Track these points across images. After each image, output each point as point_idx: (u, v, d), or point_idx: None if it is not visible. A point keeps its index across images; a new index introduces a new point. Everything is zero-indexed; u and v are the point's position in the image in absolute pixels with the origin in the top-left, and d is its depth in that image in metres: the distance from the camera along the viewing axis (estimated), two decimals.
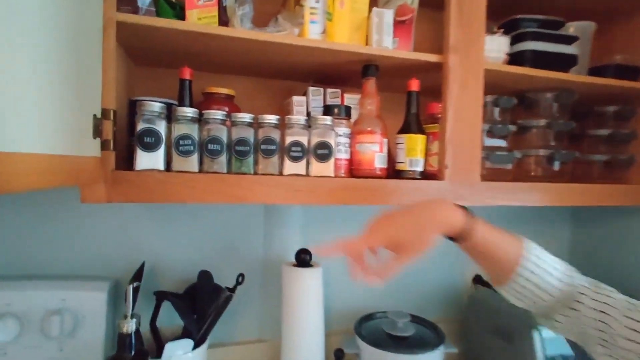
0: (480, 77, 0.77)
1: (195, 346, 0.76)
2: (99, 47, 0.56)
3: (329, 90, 0.85)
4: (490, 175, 0.89)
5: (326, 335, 0.92)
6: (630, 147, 1.02)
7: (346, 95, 0.85)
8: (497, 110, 0.93)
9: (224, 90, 0.81)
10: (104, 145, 0.57)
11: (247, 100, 0.89)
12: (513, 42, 0.88)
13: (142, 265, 0.83)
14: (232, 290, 0.82)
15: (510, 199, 0.82)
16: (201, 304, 0.81)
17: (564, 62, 0.90)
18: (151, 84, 0.85)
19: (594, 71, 0.97)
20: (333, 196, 0.69)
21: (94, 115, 0.54)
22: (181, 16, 0.69)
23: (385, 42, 0.74)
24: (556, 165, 0.96)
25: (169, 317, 0.85)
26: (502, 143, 0.93)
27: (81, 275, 0.85)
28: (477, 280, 1.15)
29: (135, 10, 0.67)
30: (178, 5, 0.71)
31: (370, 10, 0.75)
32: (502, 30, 0.88)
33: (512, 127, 0.91)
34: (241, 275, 0.84)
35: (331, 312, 1.02)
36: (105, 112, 0.57)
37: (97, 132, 0.54)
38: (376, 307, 1.01)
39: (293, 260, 0.92)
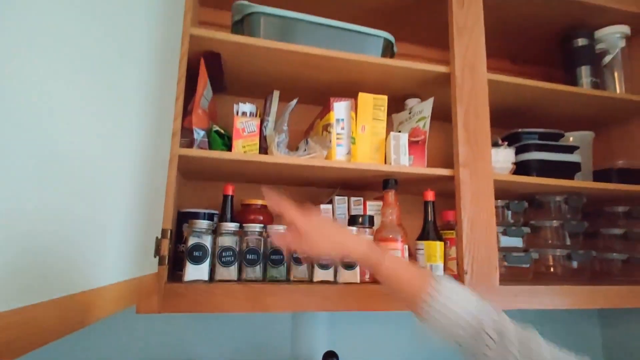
0: (489, 187, 0.85)
1: None
2: (164, 177, 0.68)
3: (353, 198, 0.95)
4: (510, 275, 0.93)
5: None
6: None
7: (368, 202, 0.94)
8: (509, 213, 0.99)
9: (260, 202, 0.92)
10: (160, 261, 0.65)
11: None
12: (517, 152, 0.98)
13: None
14: None
15: (531, 302, 0.84)
16: None
17: (569, 169, 0.98)
18: (196, 194, 0.96)
19: (598, 175, 1.05)
20: (360, 303, 0.74)
21: (157, 237, 0.63)
22: (229, 145, 0.82)
23: (402, 160, 0.84)
24: (575, 264, 0.99)
25: None
26: (518, 242, 0.98)
27: None
28: None
29: (192, 141, 0.80)
30: (226, 136, 0.85)
31: (387, 134, 0.87)
32: (506, 142, 0.98)
33: (526, 229, 0.97)
34: None
35: None
36: (164, 232, 0.66)
37: (157, 250, 0.64)
38: None
39: None
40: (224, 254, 0.73)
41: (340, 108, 0.86)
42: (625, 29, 1.06)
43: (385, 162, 0.86)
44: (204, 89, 0.83)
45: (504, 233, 0.96)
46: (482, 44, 0.90)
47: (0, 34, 0.24)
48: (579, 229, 1.00)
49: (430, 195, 0.86)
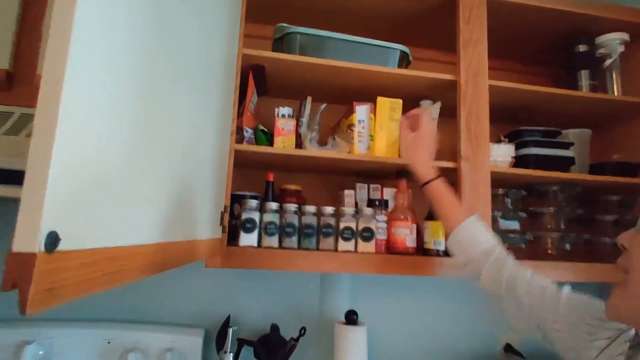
0: (487, 178, 1.01)
1: None
2: (225, 166, 0.89)
3: (372, 185, 1.14)
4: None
5: None
6: None
7: (385, 189, 1.12)
8: (509, 200, 1.15)
9: (294, 187, 1.12)
10: (223, 230, 0.87)
11: (310, 191, 1.19)
12: (518, 148, 1.13)
13: (228, 318, 1.09)
14: (296, 340, 1.05)
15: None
16: (272, 350, 1.05)
17: (563, 163, 1.12)
18: (243, 180, 1.17)
19: (594, 168, 1.18)
20: (375, 267, 0.94)
21: (221, 211, 0.85)
22: (271, 141, 1.02)
23: None
24: (567, 246, 1.13)
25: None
26: (515, 225, 1.14)
27: (182, 323, 1.13)
28: (508, 348, 1.28)
29: (242, 138, 1.01)
30: (269, 133, 1.05)
31: None
32: (507, 139, 1.13)
33: (522, 214, 1.12)
34: (303, 328, 1.07)
35: None
36: (225, 208, 0.88)
37: (221, 221, 0.85)
38: None
39: (343, 319, 1.13)
40: (268, 226, 0.94)
41: (361, 111, 1.04)
42: (624, 35, 1.17)
43: (399, 156, 1.04)
44: (252, 94, 1.04)
45: (503, 217, 1.11)
46: (484, 55, 1.05)
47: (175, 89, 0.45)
48: (573, 215, 1.14)
49: None
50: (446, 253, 1.00)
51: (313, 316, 1.20)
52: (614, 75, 1.19)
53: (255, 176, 1.14)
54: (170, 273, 1.15)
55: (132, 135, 0.37)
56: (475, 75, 1.04)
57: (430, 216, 1.02)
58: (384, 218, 1.01)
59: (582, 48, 1.20)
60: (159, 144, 0.44)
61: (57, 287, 0.25)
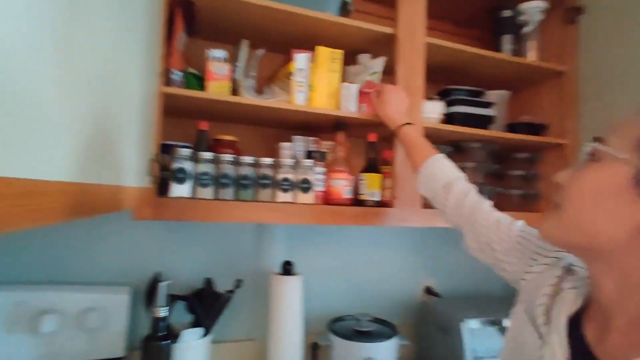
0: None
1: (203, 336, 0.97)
2: (153, 110, 0.81)
3: (310, 138, 1.12)
4: (429, 204, 1.17)
5: (304, 333, 1.13)
6: (539, 185, 1.33)
7: (323, 142, 1.12)
8: None
9: (229, 137, 1.06)
10: (153, 180, 0.80)
11: (245, 143, 1.14)
12: (448, 106, 1.19)
13: (157, 273, 1.04)
14: (232, 292, 1.04)
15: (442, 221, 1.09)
16: (207, 303, 1.03)
17: (485, 121, 1.21)
18: (171, 130, 1.08)
19: (509, 127, 1.29)
20: (314, 218, 0.95)
21: (150, 159, 0.78)
22: (203, 86, 0.95)
23: (351, 107, 1.02)
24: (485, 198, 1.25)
25: (176, 316, 1.05)
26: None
27: (107, 282, 1.05)
28: (427, 290, 1.41)
29: (170, 81, 0.92)
30: (201, 78, 0.97)
31: (340, 84, 1.03)
32: (439, 97, 1.18)
33: None
34: (239, 280, 1.06)
35: (309, 315, 1.24)
36: (155, 156, 0.80)
37: (151, 170, 0.78)
38: (345, 311, 1.25)
39: (278, 270, 1.15)
40: (202, 177, 0.89)
41: (301, 59, 1.00)
42: (544, 4, 1.25)
43: (338, 108, 1.03)
44: (180, 33, 0.94)
45: None
46: (423, 12, 1.06)
47: None
48: (489, 170, 1.26)
49: (373, 137, 1.06)
50: (381, 204, 1.05)
51: (248, 268, 1.20)
52: (532, 42, 1.28)
53: (184, 126, 1.06)
54: (91, 228, 1.05)
55: (45, 41, 0.30)
56: (413, 31, 1.05)
57: (368, 168, 1.05)
58: (322, 170, 1.01)
59: (506, 13, 1.27)
60: (76, 60, 0.37)
61: None
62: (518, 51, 1.27)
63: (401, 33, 1.03)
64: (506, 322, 1.13)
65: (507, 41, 1.27)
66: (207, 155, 0.91)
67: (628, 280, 0.43)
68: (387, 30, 1.04)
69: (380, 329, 1.15)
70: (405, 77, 1.03)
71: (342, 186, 1.00)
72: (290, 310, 1.10)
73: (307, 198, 0.96)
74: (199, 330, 0.94)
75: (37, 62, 0.29)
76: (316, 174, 0.99)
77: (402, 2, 1.04)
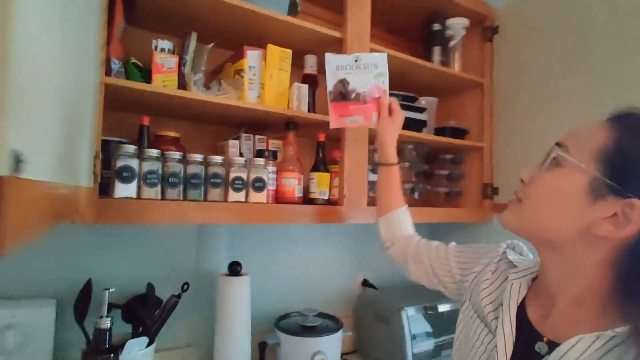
0: (365, 135, 1.11)
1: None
2: (89, 104, 0.73)
3: (257, 136, 1.11)
4: (371, 201, 1.24)
5: (252, 333, 1.12)
6: (461, 184, 1.49)
7: (271, 141, 1.12)
8: (376, 155, 1.29)
9: (172, 134, 1.01)
10: (95, 179, 0.73)
11: (187, 140, 1.08)
12: None
13: (89, 282, 0.95)
14: (178, 296, 0.98)
15: None
16: (148, 311, 0.96)
17: (419, 125, 1.32)
18: (113, 124, 0.99)
19: (437, 131, 1.42)
20: (267, 217, 0.94)
21: (93, 157, 0.70)
22: (147, 78, 0.88)
23: (303, 107, 1.03)
24: (416, 195, 1.36)
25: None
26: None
27: (29, 295, 0.93)
28: (364, 283, 1.49)
29: (109, 71, 0.84)
30: (144, 69, 0.90)
31: (291, 84, 1.04)
32: None
33: None
34: (186, 283, 1.01)
35: (256, 315, 1.22)
36: (97, 153, 0.73)
37: (94, 168, 0.71)
38: (292, 308, 1.26)
39: (224, 271, 1.12)
40: (148, 176, 0.83)
41: (253, 56, 0.99)
42: (466, 21, 1.40)
43: (289, 107, 1.04)
44: (120, 20, 0.86)
45: (372, 171, 1.25)
46: (368, 19, 1.12)
47: None
48: (421, 169, 1.37)
49: (322, 137, 1.08)
50: (330, 202, 1.08)
51: (190, 271, 1.14)
52: (457, 54, 1.43)
53: (121, 121, 0.97)
54: None
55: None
56: (360, 37, 1.10)
57: (317, 167, 1.07)
58: (274, 169, 1.01)
59: (436, 27, 1.40)
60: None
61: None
62: (446, 62, 1.40)
63: (349, 38, 1.07)
64: (441, 308, 1.25)
65: (436, 52, 1.39)
66: (154, 152, 0.85)
67: (573, 267, 0.52)
68: (336, 34, 1.07)
69: (326, 323, 1.19)
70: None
71: (294, 185, 1.01)
72: (238, 311, 1.08)
73: (260, 197, 0.96)
74: (144, 340, 0.88)
75: None
76: (269, 173, 0.99)
77: (350, 9, 1.08)
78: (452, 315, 1.29)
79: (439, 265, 0.80)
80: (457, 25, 1.40)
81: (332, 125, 0.93)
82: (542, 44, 1.25)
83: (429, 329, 1.24)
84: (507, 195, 1.35)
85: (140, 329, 0.95)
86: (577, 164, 0.50)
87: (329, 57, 0.93)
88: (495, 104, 1.41)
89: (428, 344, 1.22)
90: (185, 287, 1.02)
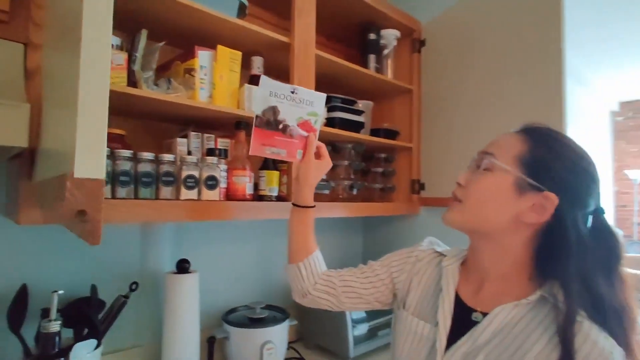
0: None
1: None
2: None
3: (206, 135, 1.13)
4: (317, 198, 1.32)
5: (201, 329, 1.14)
6: (393, 180, 1.64)
7: (219, 140, 1.14)
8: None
9: (118, 131, 0.98)
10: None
11: (132, 137, 1.06)
12: (329, 111, 1.36)
13: (24, 287, 0.89)
14: (126, 297, 0.97)
15: (330, 212, 1.26)
16: (93, 313, 0.93)
17: (357, 126, 1.43)
18: None
19: (373, 132, 1.55)
20: (219, 214, 0.97)
21: None
22: None
23: (253, 107, 1.07)
24: (355, 191, 1.48)
25: None
26: (323, 176, 1.38)
27: None
28: None
29: None
30: None
31: (240, 84, 1.08)
32: None
33: None
34: (134, 283, 1.00)
35: (205, 311, 1.22)
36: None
37: None
38: (240, 302, 1.30)
39: (170, 270, 1.12)
40: None
41: (204, 56, 1.00)
42: (397, 33, 1.54)
43: (239, 107, 1.07)
44: None
45: None
46: (314, 25, 1.19)
47: None
48: (358, 167, 1.49)
49: None
50: (279, 199, 1.14)
51: (132, 272, 1.12)
52: (389, 63, 1.57)
53: None
54: None
55: None
56: (306, 42, 1.17)
57: (266, 166, 1.12)
58: (225, 167, 1.04)
59: (372, 36, 1.52)
60: None
61: None
62: (380, 69, 1.53)
63: (297, 43, 1.14)
64: None
65: (372, 60, 1.51)
66: None
67: (502, 249, 0.65)
68: (284, 39, 1.13)
69: (274, 314, 1.25)
70: (299, 84, 1.14)
71: (245, 183, 1.05)
72: (187, 309, 1.09)
73: (213, 195, 0.98)
74: (92, 342, 0.86)
75: None
76: (221, 171, 1.01)
77: (298, 15, 1.14)
78: None
79: (372, 283, 0.82)
80: (390, 36, 1.54)
81: (251, 152, 0.84)
82: (460, 58, 1.43)
83: (364, 314, 1.36)
84: (433, 190, 1.53)
85: (86, 332, 0.92)
86: (505, 168, 0.63)
87: (264, 80, 0.85)
88: (422, 109, 1.58)
89: (364, 328, 1.34)
90: (134, 286, 1.00)
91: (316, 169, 0.87)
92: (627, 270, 0.61)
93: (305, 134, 0.88)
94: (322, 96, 0.90)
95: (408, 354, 0.71)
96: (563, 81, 1.09)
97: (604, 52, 3.51)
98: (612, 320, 0.56)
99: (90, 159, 0.23)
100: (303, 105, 0.87)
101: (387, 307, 0.85)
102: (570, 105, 1.10)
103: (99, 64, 0.31)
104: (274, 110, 0.85)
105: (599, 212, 0.62)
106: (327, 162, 0.90)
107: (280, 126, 0.86)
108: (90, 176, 0.22)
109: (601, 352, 0.53)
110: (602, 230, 0.62)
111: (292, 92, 0.86)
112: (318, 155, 0.89)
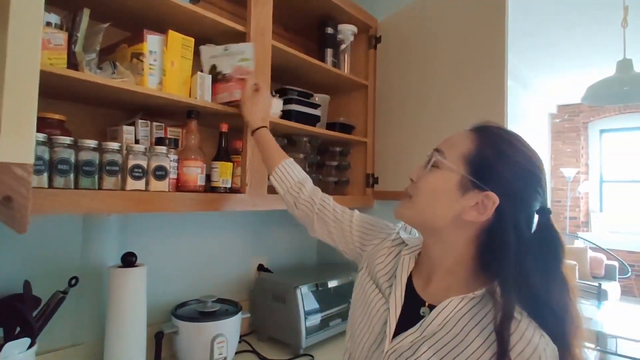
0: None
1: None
2: None
3: (155, 123, 1.08)
4: (271, 190, 1.32)
5: (148, 325, 1.10)
6: (348, 173, 1.67)
7: (169, 129, 1.10)
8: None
9: (57, 116, 0.92)
10: None
11: (72, 123, 1.00)
12: (285, 103, 1.35)
13: None
14: (65, 292, 0.91)
15: (284, 204, 1.26)
16: (26, 310, 0.87)
17: (313, 119, 1.44)
18: None
19: (329, 126, 1.56)
20: (168, 205, 0.94)
21: None
22: None
23: (206, 96, 1.05)
24: None
25: None
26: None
27: None
28: (260, 267, 1.56)
29: None
30: None
31: (193, 72, 1.04)
32: (277, 94, 1.33)
33: None
34: (74, 278, 0.94)
35: (153, 306, 1.18)
36: None
37: None
38: (190, 296, 1.27)
39: (114, 264, 1.07)
40: (35, 162, 0.76)
41: (153, 41, 0.96)
42: (354, 28, 1.56)
43: (191, 96, 1.04)
44: None
45: None
46: (270, 15, 1.17)
47: None
48: (314, 160, 1.50)
49: (224, 127, 1.11)
50: (232, 190, 1.12)
51: (71, 267, 1.06)
52: (346, 57, 1.58)
53: None
54: None
55: None
56: (262, 32, 1.15)
57: (219, 157, 1.10)
58: (175, 157, 1.01)
59: (329, 30, 1.53)
60: None
61: None
62: (337, 63, 1.55)
63: (253, 32, 1.12)
64: (330, 284, 1.41)
65: (329, 54, 1.52)
66: (39, 136, 0.78)
67: (448, 245, 0.67)
68: (240, 28, 1.10)
69: (225, 308, 1.24)
70: (256, 74, 1.13)
71: (196, 174, 1.03)
72: (132, 304, 1.05)
73: (162, 186, 0.95)
74: (25, 341, 0.81)
75: None
76: (171, 162, 0.98)
77: (255, 3, 1.12)
78: (338, 291, 1.46)
79: (341, 228, 0.88)
80: (347, 31, 1.56)
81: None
82: (414, 56, 1.48)
83: (317, 305, 1.38)
84: (386, 184, 1.57)
85: (18, 331, 0.86)
86: (450, 166, 0.64)
87: (203, 48, 1.09)
88: (377, 105, 1.62)
89: (316, 318, 1.36)
90: (74, 281, 0.95)
91: (253, 98, 1.05)
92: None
93: (240, 76, 1.07)
94: (251, 45, 1.09)
95: (361, 331, 0.73)
96: (505, 84, 1.16)
97: (544, 59, 3.78)
98: (550, 319, 0.58)
99: (17, 142, 0.21)
100: (235, 55, 1.08)
101: (351, 259, 0.89)
102: (514, 107, 1.17)
103: (29, 39, 0.28)
104: (214, 67, 1.09)
105: (544, 212, 0.63)
106: (264, 95, 1.08)
107: (219, 77, 1.08)
108: (17, 160, 0.21)
109: (534, 348, 0.55)
110: (546, 231, 0.63)
111: (225, 50, 1.08)
112: (257, 90, 1.07)
